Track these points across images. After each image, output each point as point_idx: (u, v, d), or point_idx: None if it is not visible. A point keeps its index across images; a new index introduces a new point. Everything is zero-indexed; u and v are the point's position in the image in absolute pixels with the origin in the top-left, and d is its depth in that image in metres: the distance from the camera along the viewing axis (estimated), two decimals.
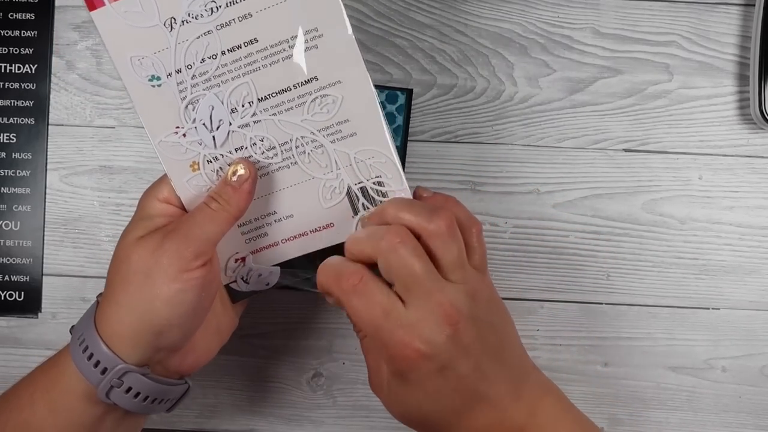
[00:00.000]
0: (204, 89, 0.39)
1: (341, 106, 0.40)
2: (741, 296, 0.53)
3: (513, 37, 0.53)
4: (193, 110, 0.40)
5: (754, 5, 0.52)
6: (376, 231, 0.38)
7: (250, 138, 0.40)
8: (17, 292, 0.53)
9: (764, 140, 0.53)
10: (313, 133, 0.40)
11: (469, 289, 0.37)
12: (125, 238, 0.39)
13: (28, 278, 0.53)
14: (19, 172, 0.53)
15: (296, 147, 0.40)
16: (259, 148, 0.40)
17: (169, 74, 0.39)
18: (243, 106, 0.40)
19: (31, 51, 0.53)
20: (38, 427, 0.38)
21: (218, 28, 0.39)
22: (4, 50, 0.53)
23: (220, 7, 0.38)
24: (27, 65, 0.53)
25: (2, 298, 0.53)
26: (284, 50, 0.39)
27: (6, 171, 0.53)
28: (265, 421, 0.54)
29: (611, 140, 0.53)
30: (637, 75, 0.53)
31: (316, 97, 0.40)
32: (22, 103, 0.53)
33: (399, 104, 0.52)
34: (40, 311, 0.54)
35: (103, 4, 0.38)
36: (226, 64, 0.39)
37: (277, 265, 0.43)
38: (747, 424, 0.53)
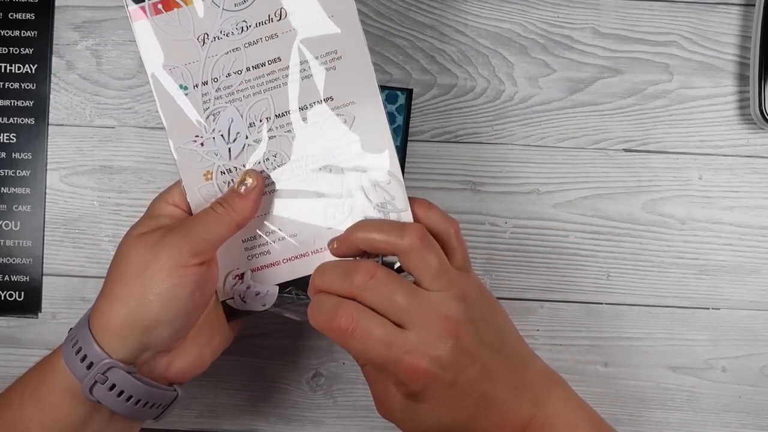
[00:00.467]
0: (226, 102, 0.43)
1: (353, 126, 0.42)
2: (741, 296, 0.54)
3: (513, 37, 0.53)
4: (214, 121, 0.43)
5: (754, 5, 0.52)
6: (342, 269, 0.39)
7: (264, 153, 0.43)
8: (17, 292, 0.54)
9: (764, 140, 0.54)
10: (324, 152, 0.42)
11: (458, 293, 0.38)
12: (128, 235, 0.42)
13: (28, 278, 0.54)
14: (19, 172, 0.54)
15: (306, 165, 0.43)
16: (272, 163, 0.43)
17: (196, 85, 0.42)
18: (261, 121, 0.43)
19: (31, 51, 0.54)
20: (25, 425, 0.39)
21: (246, 45, 0.42)
22: (4, 50, 0.54)
23: (250, 26, 0.42)
24: (27, 65, 0.54)
25: (2, 298, 0.54)
26: (305, 70, 0.42)
27: (6, 171, 0.54)
28: (265, 421, 0.54)
29: (611, 140, 0.53)
30: (637, 75, 0.53)
31: (330, 117, 0.42)
32: (22, 103, 0.54)
33: (399, 104, 0.53)
34: (40, 311, 0.54)
35: (146, 17, 0.42)
36: (249, 80, 0.42)
37: (276, 285, 0.43)
38: (747, 424, 0.54)
